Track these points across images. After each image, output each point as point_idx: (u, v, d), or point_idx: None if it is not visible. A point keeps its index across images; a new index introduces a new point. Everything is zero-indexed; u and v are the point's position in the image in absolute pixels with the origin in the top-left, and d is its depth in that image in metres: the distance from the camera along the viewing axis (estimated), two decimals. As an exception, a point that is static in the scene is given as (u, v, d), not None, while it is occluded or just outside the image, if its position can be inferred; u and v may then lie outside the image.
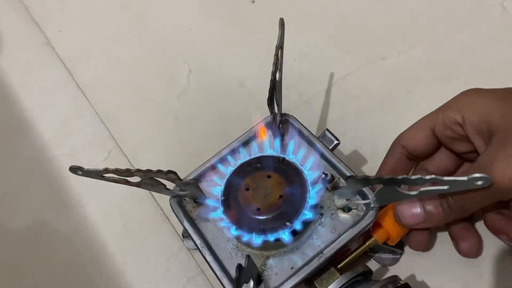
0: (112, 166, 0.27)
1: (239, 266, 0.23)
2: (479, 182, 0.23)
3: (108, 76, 0.48)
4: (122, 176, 0.28)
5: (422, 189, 0.24)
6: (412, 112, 0.33)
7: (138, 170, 0.28)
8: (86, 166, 0.26)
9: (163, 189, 0.30)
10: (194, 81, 0.45)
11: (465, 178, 0.23)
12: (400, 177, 0.24)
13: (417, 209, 0.28)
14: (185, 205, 0.31)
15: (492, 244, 0.31)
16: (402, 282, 0.26)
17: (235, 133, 0.32)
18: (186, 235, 0.36)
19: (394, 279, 0.26)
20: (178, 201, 0.30)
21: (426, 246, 0.31)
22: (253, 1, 0.48)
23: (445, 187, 0.24)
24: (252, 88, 0.43)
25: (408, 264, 0.32)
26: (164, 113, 0.43)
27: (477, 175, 0.22)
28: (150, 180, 0.29)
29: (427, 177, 0.23)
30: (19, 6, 0.53)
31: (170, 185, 0.29)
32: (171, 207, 0.30)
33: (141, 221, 0.38)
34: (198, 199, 0.30)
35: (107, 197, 0.40)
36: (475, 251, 0.30)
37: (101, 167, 0.26)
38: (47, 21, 0.52)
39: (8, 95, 0.48)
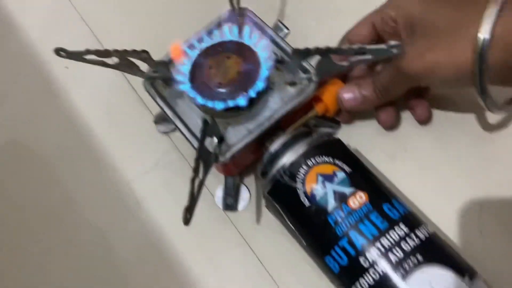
0: None
1: (204, 120, 0.29)
2: (394, 50, 0.29)
3: None
4: (101, 57, 0.32)
5: (352, 59, 0.30)
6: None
7: (116, 51, 0.32)
8: (70, 60, 0.31)
9: (137, 70, 0.35)
10: None
11: (384, 46, 0.29)
12: (334, 47, 0.30)
13: (356, 94, 0.35)
14: (157, 87, 0.36)
15: (413, 126, 0.38)
16: (336, 138, 0.33)
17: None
18: (157, 121, 0.41)
19: (329, 134, 0.32)
20: (151, 82, 0.35)
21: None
22: None
23: (370, 56, 0.30)
24: None
25: (344, 137, 0.37)
26: (140, 11, 0.47)
27: (392, 43, 0.29)
28: (126, 61, 0.33)
29: (355, 46, 0.29)
30: None
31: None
32: (145, 88, 0.35)
33: (122, 109, 0.43)
34: (168, 81, 0.35)
35: (92, 88, 0.45)
36: (391, 121, 0.37)
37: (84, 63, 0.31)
38: None
39: None
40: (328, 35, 0.38)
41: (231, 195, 0.37)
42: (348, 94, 0.35)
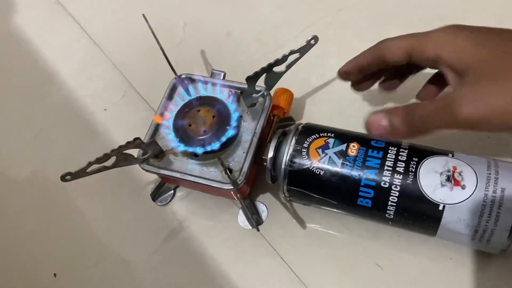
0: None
1: (221, 162, 0.36)
2: (312, 41, 0.39)
3: (116, 29, 0.58)
4: (102, 162, 0.37)
5: (288, 64, 0.39)
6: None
7: (113, 150, 0.37)
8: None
9: (132, 159, 0.40)
10: (189, 32, 0.56)
11: (304, 43, 0.38)
12: (273, 61, 0.38)
13: (384, 122, 0.31)
14: (153, 164, 0.41)
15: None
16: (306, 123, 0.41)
17: (225, 69, 0.45)
18: (155, 196, 0.46)
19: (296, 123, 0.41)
20: (146, 163, 0.41)
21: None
22: None
23: (298, 54, 0.39)
24: (238, 37, 0.55)
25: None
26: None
27: (309, 38, 0.38)
28: (122, 155, 0.38)
29: (287, 53, 0.38)
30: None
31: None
32: (145, 170, 0.41)
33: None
34: (159, 154, 0.41)
35: (128, 125, 0.51)
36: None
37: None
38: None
39: (31, 48, 0.59)
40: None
41: (253, 212, 0.43)
42: (376, 122, 0.32)
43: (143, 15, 0.44)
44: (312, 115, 0.48)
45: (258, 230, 0.34)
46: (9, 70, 0.59)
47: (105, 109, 0.53)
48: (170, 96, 0.43)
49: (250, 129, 0.41)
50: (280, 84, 0.42)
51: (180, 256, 0.44)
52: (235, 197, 0.39)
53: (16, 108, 0.56)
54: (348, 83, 0.42)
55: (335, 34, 0.52)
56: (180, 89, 0.43)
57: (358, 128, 0.46)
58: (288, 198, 0.41)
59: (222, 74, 0.45)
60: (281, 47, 0.53)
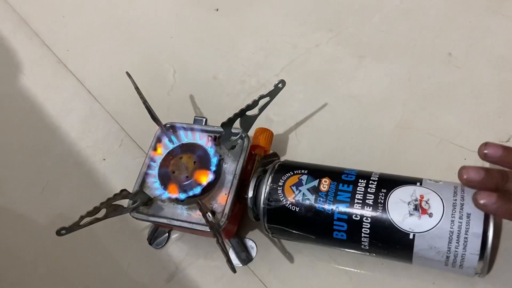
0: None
1: (202, 211, 0.38)
2: (280, 85, 0.41)
3: (112, 82, 0.62)
4: (93, 215, 0.40)
5: (260, 107, 0.42)
6: (338, 85, 0.49)
7: (102, 202, 0.40)
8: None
9: (122, 209, 0.42)
10: (179, 79, 0.59)
11: (273, 87, 0.41)
12: (244, 107, 0.41)
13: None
14: (142, 211, 0.43)
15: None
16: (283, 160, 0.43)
17: (212, 114, 0.50)
18: (151, 240, 0.48)
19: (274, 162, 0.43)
20: (136, 211, 0.43)
21: None
22: (217, 10, 0.63)
23: (268, 98, 0.41)
24: (223, 80, 0.58)
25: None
26: (159, 106, 0.49)
27: (276, 82, 0.41)
28: (112, 206, 0.41)
29: (257, 98, 0.41)
30: (31, 33, 0.68)
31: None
32: (135, 218, 0.43)
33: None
34: (148, 202, 0.43)
35: (126, 174, 0.53)
36: None
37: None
38: (56, 43, 0.67)
39: (35, 106, 0.63)
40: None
41: (242, 250, 0.45)
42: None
43: (127, 72, 0.47)
44: (295, 149, 0.50)
45: (235, 271, 0.36)
46: (16, 126, 0.63)
47: (104, 159, 0.56)
48: (155, 146, 0.46)
49: (231, 171, 0.43)
50: (261, 122, 0.45)
51: (177, 297, 0.46)
52: (215, 239, 0.41)
53: (23, 162, 0.60)
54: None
55: (313, 70, 0.55)
56: (165, 138, 0.46)
57: (336, 157, 0.48)
58: (271, 235, 0.42)
59: (204, 120, 0.47)
60: (264, 85, 0.56)
